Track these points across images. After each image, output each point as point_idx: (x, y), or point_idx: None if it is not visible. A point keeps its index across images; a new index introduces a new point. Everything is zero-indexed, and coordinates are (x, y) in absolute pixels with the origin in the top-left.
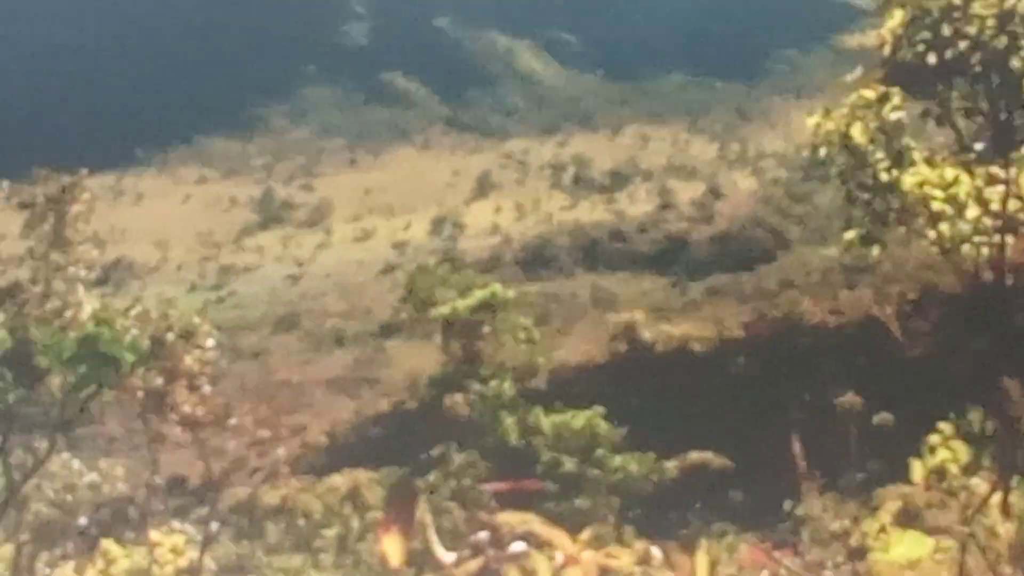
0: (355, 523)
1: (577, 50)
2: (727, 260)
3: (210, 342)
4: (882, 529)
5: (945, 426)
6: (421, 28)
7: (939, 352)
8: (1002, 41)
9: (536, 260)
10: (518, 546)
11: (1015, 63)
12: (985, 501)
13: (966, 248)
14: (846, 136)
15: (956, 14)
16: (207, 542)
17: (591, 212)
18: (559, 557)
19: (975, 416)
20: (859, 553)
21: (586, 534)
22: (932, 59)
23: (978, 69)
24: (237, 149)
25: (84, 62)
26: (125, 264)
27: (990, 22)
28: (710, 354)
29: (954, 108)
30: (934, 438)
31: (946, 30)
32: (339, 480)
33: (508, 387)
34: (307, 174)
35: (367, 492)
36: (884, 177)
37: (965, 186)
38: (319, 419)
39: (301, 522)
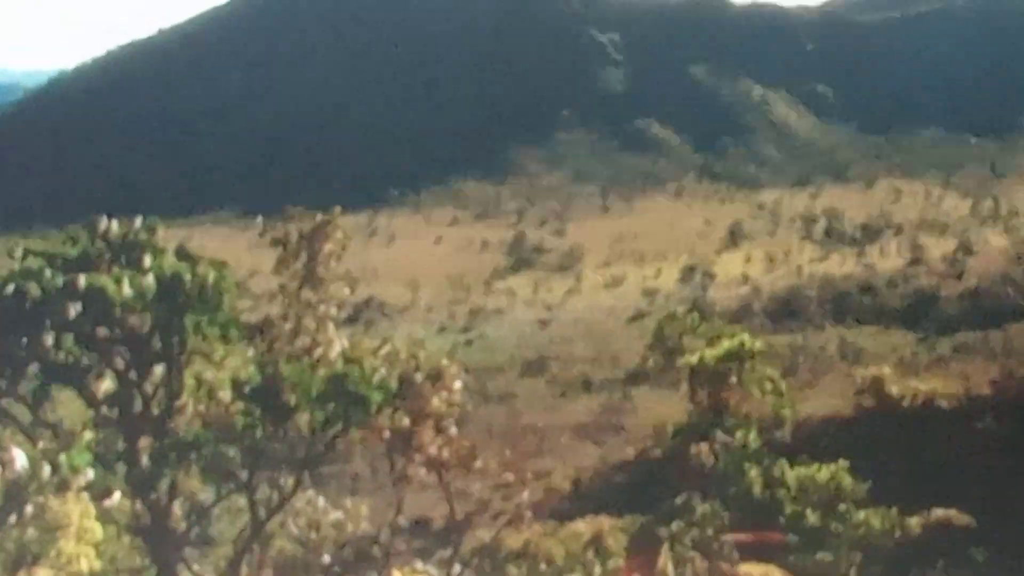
0: (597, 570)
1: (832, 102)
2: (976, 317)
3: (457, 384)
4: None
5: None
6: (676, 76)
7: None
8: None
9: (785, 311)
10: None
11: None
12: None
13: None
14: None
15: None
16: None
17: (841, 265)
18: None
19: None
20: None
21: None
22: None
23: None
24: (491, 192)
25: (340, 101)
26: (376, 303)
27: None
28: (957, 411)
29: None
30: None
31: None
32: (582, 526)
33: (753, 438)
34: (559, 219)
35: (610, 539)
36: None
37: None
38: (564, 464)
39: (543, 567)
